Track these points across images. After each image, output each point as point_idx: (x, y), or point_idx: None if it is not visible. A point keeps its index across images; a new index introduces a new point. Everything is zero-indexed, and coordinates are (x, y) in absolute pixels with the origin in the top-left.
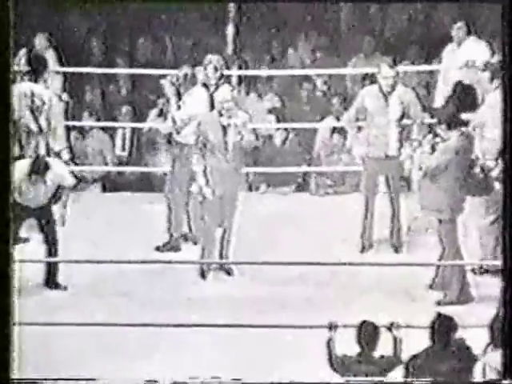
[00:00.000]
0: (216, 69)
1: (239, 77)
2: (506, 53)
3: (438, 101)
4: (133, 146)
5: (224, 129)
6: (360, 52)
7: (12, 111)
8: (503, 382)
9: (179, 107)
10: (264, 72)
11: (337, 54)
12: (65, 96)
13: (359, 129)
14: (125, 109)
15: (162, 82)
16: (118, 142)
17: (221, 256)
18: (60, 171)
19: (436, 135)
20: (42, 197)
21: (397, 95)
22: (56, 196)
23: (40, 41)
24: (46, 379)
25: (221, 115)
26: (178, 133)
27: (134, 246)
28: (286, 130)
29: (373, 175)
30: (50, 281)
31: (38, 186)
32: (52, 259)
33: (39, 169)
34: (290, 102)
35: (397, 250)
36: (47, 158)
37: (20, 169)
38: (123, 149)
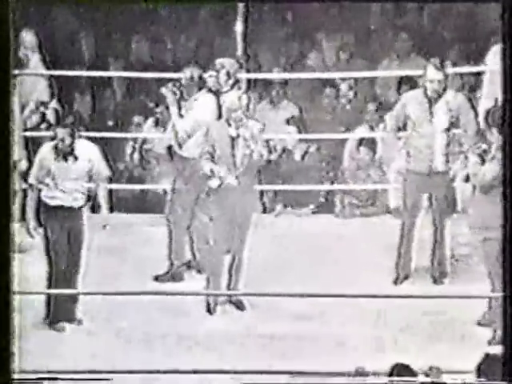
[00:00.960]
0: (229, 74)
1: (249, 81)
2: (507, 53)
3: (485, 106)
4: (144, 160)
5: (233, 141)
6: (393, 52)
7: (13, 115)
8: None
9: (181, 116)
10: (279, 75)
11: (365, 55)
12: (54, 103)
13: (399, 139)
14: (137, 118)
15: (163, 89)
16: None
17: (229, 287)
18: (93, 154)
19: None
20: (74, 183)
21: (445, 101)
22: (90, 196)
23: (24, 39)
24: (46, 379)
25: (229, 125)
26: (180, 145)
27: (129, 276)
28: (306, 142)
29: (414, 194)
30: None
31: (67, 164)
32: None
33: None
34: (309, 110)
35: (437, 280)
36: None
37: (45, 150)
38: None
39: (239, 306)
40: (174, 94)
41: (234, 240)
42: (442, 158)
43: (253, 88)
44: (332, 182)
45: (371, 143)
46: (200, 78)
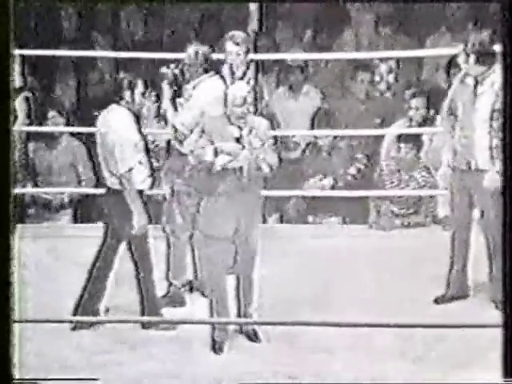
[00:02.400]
0: (239, 53)
1: (262, 63)
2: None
3: None
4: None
5: (237, 141)
6: (442, 25)
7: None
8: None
9: (181, 105)
10: (302, 56)
11: (409, 30)
12: (26, 92)
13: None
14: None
15: (164, 69)
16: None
17: (239, 314)
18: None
19: None
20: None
21: (490, 83)
22: None
23: None
24: (46, 379)
25: (230, 123)
26: (181, 142)
27: (119, 300)
28: (334, 138)
29: (460, 197)
30: None
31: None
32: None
33: None
34: (339, 98)
35: (499, 305)
36: None
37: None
38: None
39: (252, 336)
40: (174, 76)
41: (240, 258)
42: (484, 154)
43: (269, 72)
44: (366, 187)
45: (415, 139)
46: (206, 58)
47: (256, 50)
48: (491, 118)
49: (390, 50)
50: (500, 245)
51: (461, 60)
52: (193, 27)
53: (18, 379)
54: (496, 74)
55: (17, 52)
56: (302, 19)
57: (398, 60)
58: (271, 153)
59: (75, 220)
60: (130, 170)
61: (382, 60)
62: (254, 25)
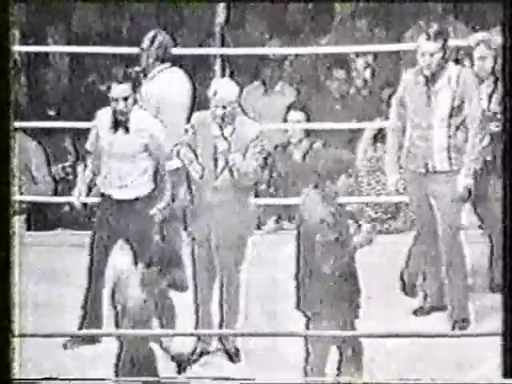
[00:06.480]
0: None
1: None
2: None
3: None
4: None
5: (215, 142)
6: (423, 17)
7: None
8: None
9: (136, 101)
10: (274, 51)
11: (387, 22)
12: None
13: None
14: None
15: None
16: None
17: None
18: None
19: None
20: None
21: (446, 79)
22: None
23: None
24: (45, 379)
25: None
26: None
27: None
28: (308, 136)
29: (422, 201)
30: None
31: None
32: None
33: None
34: (313, 96)
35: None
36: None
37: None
38: None
39: (231, 354)
40: (128, 75)
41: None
42: (441, 154)
43: (239, 67)
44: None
45: None
46: (164, 46)
47: (223, 44)
48: (450, 116)
49: (365, 43)
50: (454, 258)
51: (419, 54)
52: (153, 18)
53: (18, 379)
54: (450, 70)
55: None
56: (275, 11)
57: (375, 54)
58: (254, 157)
59: (29, 227)
60: (87, 152)
61: (357, 55)
62: (222, 16)
